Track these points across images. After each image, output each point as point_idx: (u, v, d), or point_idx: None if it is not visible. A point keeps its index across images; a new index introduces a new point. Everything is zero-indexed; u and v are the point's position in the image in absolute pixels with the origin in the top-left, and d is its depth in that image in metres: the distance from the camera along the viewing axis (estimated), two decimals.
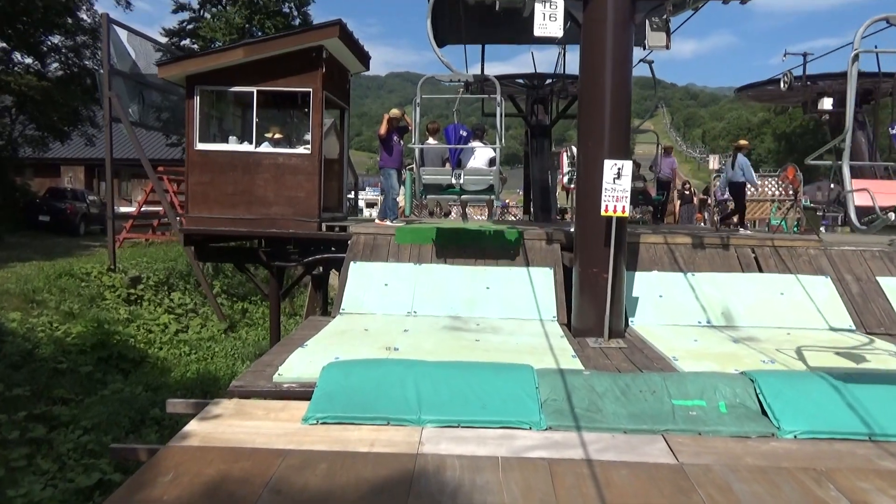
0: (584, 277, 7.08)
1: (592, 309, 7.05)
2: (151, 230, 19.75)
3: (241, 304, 15.57)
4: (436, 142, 9.30)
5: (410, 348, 6.07)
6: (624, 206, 6.57)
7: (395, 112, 10.01)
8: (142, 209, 20.39)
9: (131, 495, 3.57)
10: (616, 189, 6.53)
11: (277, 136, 9.80)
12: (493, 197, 9.73)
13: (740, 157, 11.07)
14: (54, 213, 25.57)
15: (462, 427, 4.52)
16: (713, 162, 12.86)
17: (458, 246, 8.77)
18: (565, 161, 9.19)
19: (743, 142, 11.53)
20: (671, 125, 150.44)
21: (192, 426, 4.53)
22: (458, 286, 8.10)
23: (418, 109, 8.20)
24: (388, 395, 4.78)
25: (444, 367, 5.09)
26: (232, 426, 4.50)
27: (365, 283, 8.16)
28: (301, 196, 8.99)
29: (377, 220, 9.71)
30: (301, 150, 9.10)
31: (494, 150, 8.92)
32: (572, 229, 9.11)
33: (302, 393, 5.10)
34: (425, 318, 7.52)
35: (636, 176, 9.01)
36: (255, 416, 4.70)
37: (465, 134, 9.20)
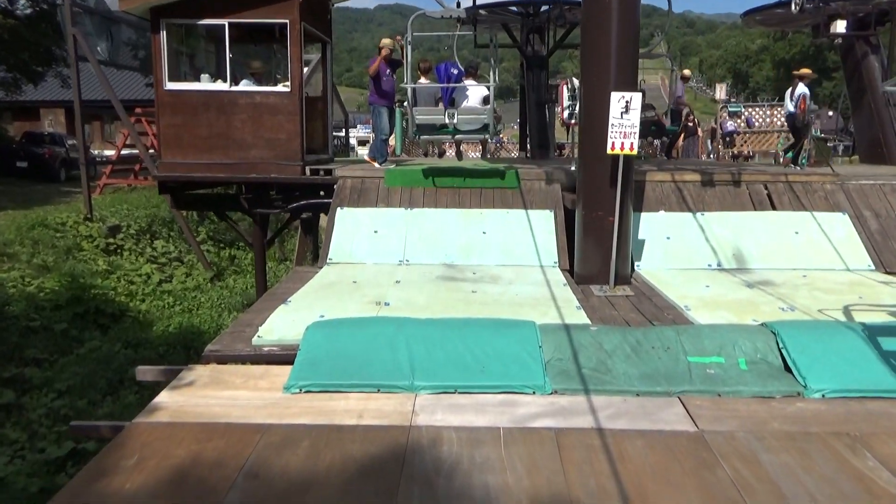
0: (588, 221, 6.61)
1: (597, 254, 6.62)
2: (133, 175, 19.09)
3: (229, 250, 15.11)
4: (427, 81, 8.97)
5: (402, 303, 5.66)
6: (632, 143, 6.05)
7: (386, 41, 9.26)
8: (122, 153, 19.65)
9: (89, 485, 3.20)
10: (624, 124, 5.99)
11: (258, 69, 9.09)
12: (487, 136, 9.29)
13: (801, 87, 10.30)
14: (32, 159, 24.76)
15: (459, 393, 4.15)
16: (720, 91, 12.21)
17: (452, 188, 8.26)
18: (565, 94, 8.57)
19: (805, 70, 10.65)
20: (667, 54, 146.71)
21: (163, 398, 4.15)
22: (452, 232, 7.64)
23: (409, 47, 8.18)
24: (378, 359, 4.39)
25: (438, 326, 4.68)
26: (206, 397, 4.12)
27: (353, 230, 7.69)
28: (282, 138, 8.40)
29: (367, 157, 9.15)
30: (280, 88, 8.45)
31: (488, 87, 8.76)
32: (573, 168, 8.62)
33: (284, 357, 4.71)
34: (418, 267, 7.09)
35: (645, 106, 8.43)
36: (232, 384, 4.31)
37: (455, 72, 9.03)
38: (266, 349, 4.76)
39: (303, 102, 8.48)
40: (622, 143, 6.05)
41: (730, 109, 12.58)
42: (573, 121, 8.66)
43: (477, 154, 24.72)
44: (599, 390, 4.14)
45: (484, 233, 7.62)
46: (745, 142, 12.66)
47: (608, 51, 6.25)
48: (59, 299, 8.45)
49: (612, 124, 6.01)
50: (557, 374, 4.29)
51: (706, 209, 7.91)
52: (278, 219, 11.51)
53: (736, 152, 12.91)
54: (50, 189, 21.24)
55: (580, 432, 3.66)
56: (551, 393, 4.14)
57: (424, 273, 6.84)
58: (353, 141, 47.89)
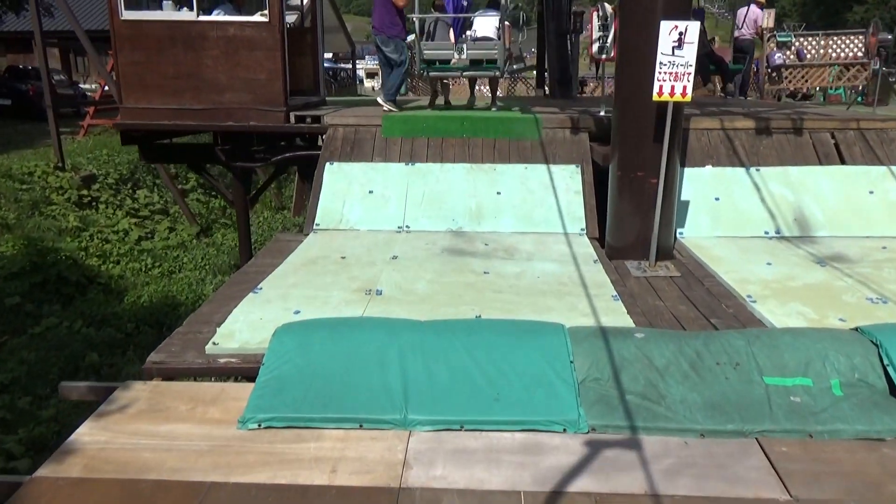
0: (625, 183, 5.53)
1: (634, 223, 5.58)
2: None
3: (220, 200, 14.12)
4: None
5: (397, 290, 4.69)
6: (685, 87, 4.89)
7: None
8: (106, 90, 18.41)
9: None
10: (676, 63, 4.82)
11: None
12: (498, 72, 8.07)
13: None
14: (15, 96, 23.55)
15: (466, 430, 3.22)
16: (767, 17, 10.76)
17: (460, 139, 7.14)
18: (595, 23, 7.30)
19: None
20: None
21: (82, 433, 3.24)
22: (460, 191, 6.58)
23: None
24: (363, 380, 3.45)
25: (440, 332, 3.71)
26: (137, 435, 3.21)
27: (344, 189, 6.65)
28: (261, 79, 7.25)
29: (381, 101, 8.03)
30: (257, 17, 7.25)
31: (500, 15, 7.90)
32: (602, 112, 7.46)
33: (245, 370, 3.79)
34: (420, 237, 6.08)
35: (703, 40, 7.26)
36: (174, 413, 3.40)
37: (465, 3, 8.42)
38: (223, 360, 3.82)
39: (285, 35, 7.29)
40: (672, 87, 4.90)
41: (778, 39, 11.12)
42: (604, 55, 7.43)
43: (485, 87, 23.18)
44: (651, 428, 3.19)
45: (498, 193, 6.56)
46: (794, 77, 11.28)
47: None
48: (14, 266, 7.55)
49: (661, 62, 4.85)
50: (595, 403, 3.33)
51: (762, 163, 6.77)
52: (265, 171, 10.44)
53: (792, 89, 11.54)
54: (34, 129, 20.15)
55: (630, 501, 2.73)
56: (588, 431, 3.20)
57: (427, 244, 5.84)
58: (360, 73, 46.05)
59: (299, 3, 18.98)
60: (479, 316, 4.18)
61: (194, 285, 8.70)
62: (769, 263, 5.27)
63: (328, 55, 42.62)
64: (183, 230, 11.26)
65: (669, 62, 4.82)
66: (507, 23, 7.89)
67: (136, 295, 8.20)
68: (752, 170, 6.64)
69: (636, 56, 5.27)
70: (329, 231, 6.30)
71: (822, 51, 11.55)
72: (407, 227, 6.31)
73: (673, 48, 4.79)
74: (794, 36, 11.41)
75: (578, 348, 3.64)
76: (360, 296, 4.58)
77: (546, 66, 13.06)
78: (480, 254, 5.59)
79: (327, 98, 9.65)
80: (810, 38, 11.41)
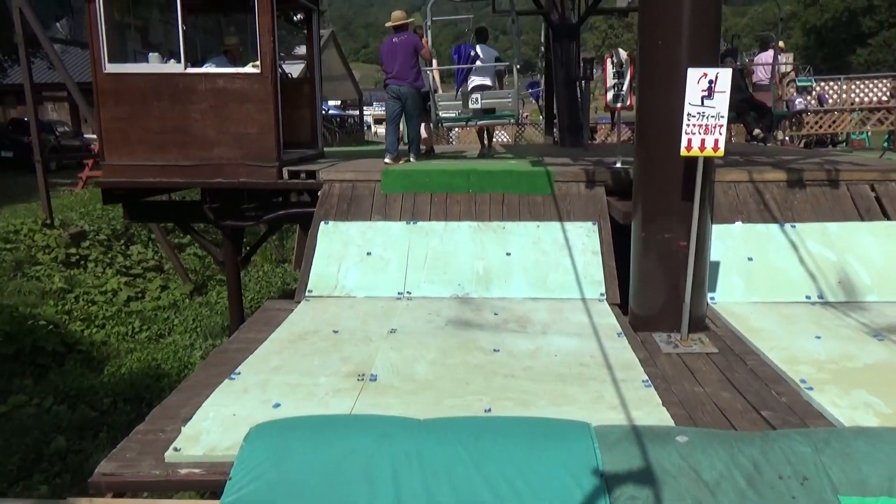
0: (651, 245, 4.99)
1: (661, 289, 5.01)
2: None
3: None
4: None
5: (393, 374, 4.11)
6: (717, 141, 4.39)
7: (398, 15, 7.92)
8: None
9: None
10: (706, 114, 4.33)
11: (233, 45, 7.48)
12: (511, 119, 8.07)
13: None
14: (17, 148, 23.55)
15: None
16: (785, 60, 10.34)
17: (465, 194, 6.66)
18: (609, 71, 6.88)
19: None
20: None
21: None
22: (467, 252, 6.06)
23: (429, 32, 8.03)
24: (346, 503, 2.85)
25: (442, 440, 3.12)
26: None
27: (340, 251, 6.14)
28: (252, 133, 6.83)
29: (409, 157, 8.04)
30: (249, 69, 6.87)
31: (506, 66, 8.51)
32: (619, 164, 6.99)
33: (210, 484, 3.20)
34: (422, 305, 5.53)
35: (737, 86, 6.85)
36: None
37: (473, 54, 8.66)
38: (184, 471, 3.23)
39: (278, 86, 6.89)
40: (702, 141, 4.39)
41: (798, 83, 10.71)
42: (619, 104, 6.99)
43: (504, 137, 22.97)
44: None
45: (508, 254, 6.03)
46: (817, 123, 10.84)
47: (678, 6, 4.58)
48: None
49: (689, 114, 4.36)
50: None
51: (796, 218, 6.23)
52: (257, 230, 9.98)
53: (816, 136, 11.10)
54: (33, 182, 19.97)
55: None
56: None
57: (429, 314, 5.29)
58: (367, 119, 46.39)
59: (306, 52, 18.90)
60: (489, 410, 3.60)
61: (181, 352, 8.14)
62: (818, 337, 4.66)
63: (336, 102, 43.14)
64: (176, 288, 10.76)
65: (699, 114, 4.33)
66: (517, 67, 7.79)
67: (118, 364, 7.64)
68: (787, 226, 6.09)
69: (659, 107, 4.79)
70: (322, 299, 5.76)
71: (843, 95, 11.12)
72: (408, 293, 5.77)
73: (702, 98, 4.30)
74: (815, 80, 11.01)
75: (609, 456, 3.04)
76: (351, 382, 4.00)
77: (556, 113, 12.71)
78: (489, 326, 5.02)
79: (328, 149, 9.26)
80: (831, 83, 10.99)
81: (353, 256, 6.10)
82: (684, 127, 4.38)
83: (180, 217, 8.08)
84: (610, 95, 6.97)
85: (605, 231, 6.21)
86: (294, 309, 5.54)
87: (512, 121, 8.46)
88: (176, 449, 3.30)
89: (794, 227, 6.09)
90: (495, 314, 5.28)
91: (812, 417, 3.56)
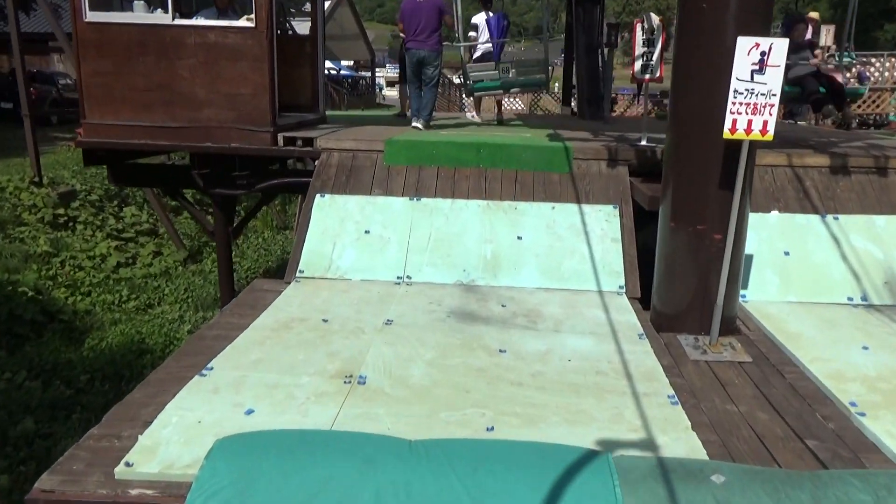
0: (681, 237, 4.48)
1: (690, 287, 4.53)
2: None
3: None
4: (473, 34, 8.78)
5: (385, 376, 3.66)
6: (766, 123, 3.84)
7: None
8: None
9: None
10: (756, 91, 3.78)
11: None
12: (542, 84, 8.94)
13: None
14: (17, 99, 23.06)
15: None
16: (826, 36, 9.66)
17: (476, 168, 6.14)
18: (639, 37, 6.28)
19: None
20: None
21: None
22: (474, 234, 5.58)
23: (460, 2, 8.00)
24: None
25: (435, 469, 2.67)
26: None
27: (335, 228, 5.67)
28: (245, 94, 6.30)
29: (416, 123, 7.76)
30: (242, 22, 6.31)
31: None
32: (644, 142, 6.44)
33: None
34: (422, 291, 5.07)
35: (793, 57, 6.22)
36: None
37: (506, 23, 8.93)
38: (135, 491, 2.81)
39: (274, 43, 6.34)
40: (749, 123, 3.85)
41: (841, 60, 9.98)
42: (648, 75, 6.41)
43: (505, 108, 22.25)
44: None
45: (519, 238, 5.54)
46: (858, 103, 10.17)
47: None
48: None
49: (736, 90, 3.81)
50: None
51: (839, 209, 5.69)
52: (250, 197, 9.48)
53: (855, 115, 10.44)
54: (36, 135, 19.56)
55: None
56: None
57: (430, 303, 4.83)
58: (380, 81, 45.36)
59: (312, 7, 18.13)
60: (492, 428, 3.15)
61: (167, 326, 7.73)
62: (865, 348, 4.18)
63: (348, 63, 42.18)
64: (169, 255, 10.35)
65: (747, 90, 3.78)
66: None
67: (100, 337, 7.25)
68: (829, 217, 5.56)
69: (699, 81, 4.24)
70: (314, 280, 5.30)
71: (886, 73, 10.42)
72: (408, 277, 5.30)
73: (752, 72, 3.74)
74: (856, 56, 10.28)
75: (632, 496, 2.59)
76: (337, 385, 3.56)
77: (574, 83, 12.07)
78: (496, 319, 4.56)
79: (333, 113, 8.73)
80: (873, 59, 10.28)
81: (350, 234, 5.63)
82: (729, 105, 3.83)
83: (169, 182, 7.59)
84: (638, 65, 6.38)
85: (626, 216, 5.70)
86: (283, 291, 5.10)
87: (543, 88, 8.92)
88: (128, 464, 2.87)
89: (836, 218, 5.56)
90: (503, 306, 4.81)
91: (866, 451, 3.09)
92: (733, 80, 3.79)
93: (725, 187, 4.19)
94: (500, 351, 4.03)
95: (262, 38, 6.23)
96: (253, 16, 6.21)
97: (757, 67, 3.74)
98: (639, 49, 6.33)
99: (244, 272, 10.45)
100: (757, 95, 3.78)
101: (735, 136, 3.90)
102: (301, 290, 5.12)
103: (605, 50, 10.71)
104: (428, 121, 7.73)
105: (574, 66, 12.49)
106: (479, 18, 8.91)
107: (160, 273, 9.65)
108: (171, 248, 10.72)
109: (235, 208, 7.85)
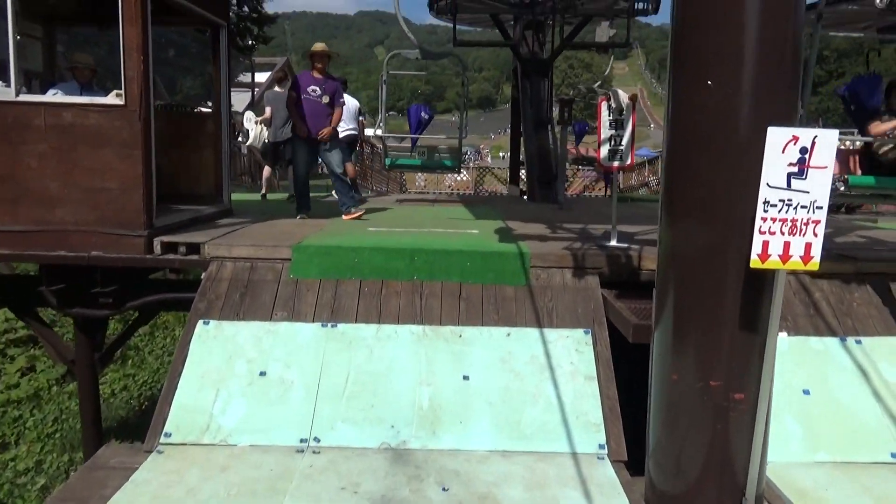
0: (687, 394, 3.30)
1: (699, 457, 3.32)
2: None
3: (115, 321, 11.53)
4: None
5: None
6: (810, 247, 2.77)
7: (319, 46, 7.15)
8: None
9: None
10: (795, 202, 2.71)
11: (83, 63, 5.73)
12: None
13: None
14: None
15: None
16: None
17: (409, 282, 4.93)
18: (605, 117, 5.31)
19: None
20: (646, 66, 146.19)
21: None
22: (407, 374, 4.32)
23: (385, 87, 9.83)
24: None
25: None
26: None
27: (220, 369, 4.32)
28: (111, 188, 4.99)
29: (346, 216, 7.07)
30: (110, 98, 5.08)
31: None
32: (614, 242, 5.40)
33: None
34: (333, 466, 3.72)
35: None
36: None
37: (427, 117, 10.56)
38: None
39: (150, 125, 5.10)
40: (786, 246, 2.77)
41: None
42: (617, 163, 5.41)
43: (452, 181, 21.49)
44: None
45: (465, 378, 4.29)
46: None
47: (740, 23, 2.99)
48: None
49: (767, 201, 2.73)
50: None
51: (860, 330, 4.68)
52: (124, 317, 7.93)
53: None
54: None
55: None
56: None
57: (342, 487, 3.49)
58: None
59: (250, 79, 16.88)
60: None
61: (18, 480, 6.07)
62: None
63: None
64: (43, 371, 8.66)
65: (782, 202, 2.71)
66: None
67: None
68: (850, 341, 4.54)
69: (705, 178, 3.17)
70: (185, 448, 3.91)
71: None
72: (315, 440, 3.96)
73: (789, 176, 2.69)
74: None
75: None
76: None
77: (527, 162, 11.20)
78: None
79: (244, 198, 7.48)
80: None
81: (239, 377, 4.28)
82: (758, 222, 2.75)
83: (14, 298, 6.09)
84: (605, 151, 5.37)
85: (601, 343, 4.54)
86: (135, 470, 3.67)
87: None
88: None
89: (859, 342, 4.54)
90: (444, 489, 3.50)
91: None
92: (762, 189, 2.72)
93: (748, 328, 3.07)
94: None
95: (135, 119, 4.98)
96: (122, 91, 4.97)
97: (796, 170, 2.68)
98: (605, 132, 5.34)
99: (137, 389, 8.83)
100: (797, 209, 2.71)
101: (767, 265, 2.80)
102: (160, 468, 3.70)
103: (557, 127, 9.90)
104: (356, 206, 7.25)
105: (522, 142, 11.69)
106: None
107: (28, 397, 7.97)
108: (49, 362, 9.03)
109: (105, 329, 6.37)
